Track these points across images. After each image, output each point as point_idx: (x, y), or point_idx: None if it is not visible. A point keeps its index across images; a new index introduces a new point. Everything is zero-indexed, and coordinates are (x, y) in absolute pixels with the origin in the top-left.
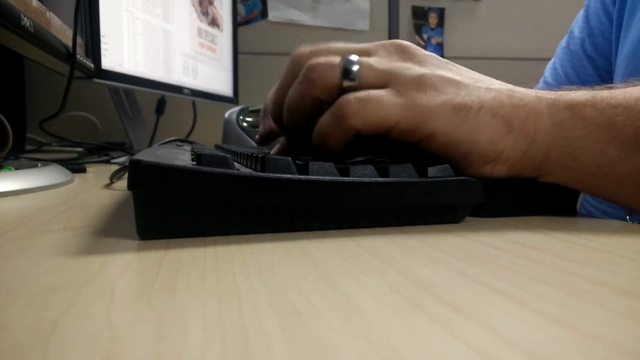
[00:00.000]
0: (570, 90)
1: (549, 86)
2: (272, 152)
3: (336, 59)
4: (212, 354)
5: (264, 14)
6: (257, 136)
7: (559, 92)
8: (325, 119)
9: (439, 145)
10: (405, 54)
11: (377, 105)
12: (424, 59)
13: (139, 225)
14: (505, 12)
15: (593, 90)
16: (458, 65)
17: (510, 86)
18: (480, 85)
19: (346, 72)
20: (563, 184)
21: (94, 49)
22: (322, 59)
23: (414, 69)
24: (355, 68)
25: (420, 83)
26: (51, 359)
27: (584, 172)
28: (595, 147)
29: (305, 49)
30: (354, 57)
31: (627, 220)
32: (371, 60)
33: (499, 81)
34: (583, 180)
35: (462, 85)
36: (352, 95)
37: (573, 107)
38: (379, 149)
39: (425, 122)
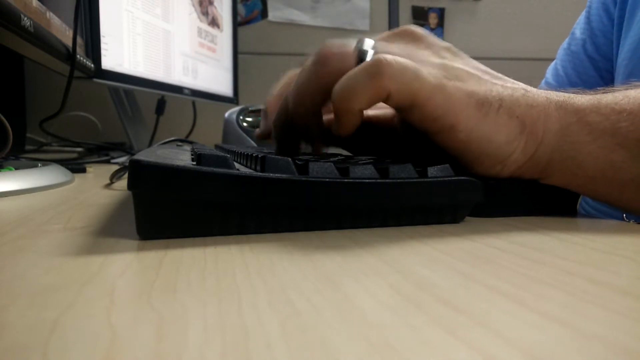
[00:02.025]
0: (575, 94)
1: (550, 87)
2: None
3: (350, 44)
4: (212, 354)
5: (264, 14)
6: (256, 131)
7: (566, 95)
8: (356, 74)
9: (456, 140)
10: (422, 44)
11: (414, 75)
12: (441, 50)
13: (139, 225)
14: (505, 12)
15: (597, 94)
16: (473, 60)
17: (522, 85)
18: (497, 82)
19: (361, 56)
20: (564, 187)
21: (94, 49)
22: (336, 43)
23: (433, 58)
24: (371, 52)
25: (445, 71)
26: (51, 359)
27: (586, 177)
28: (600, 153)
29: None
30: (368, 42)
31: (624, 220)
32: (387, 46)
33: (511, 79)
34: (585, 185)
35: (482, 81)
36: (391, 57)
37: (579, 112)
38: (379, 147)
39: (451, 113)
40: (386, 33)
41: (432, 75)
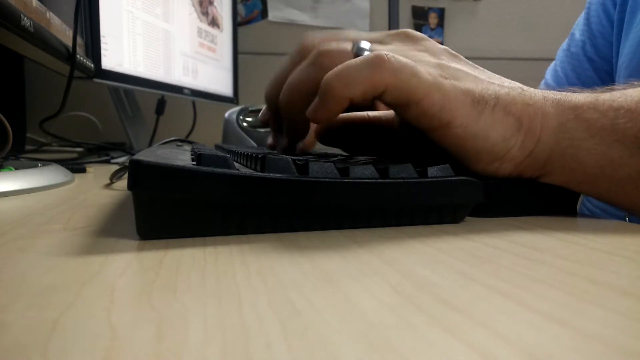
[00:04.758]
0: (573, 92)
1: (549, 88)
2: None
3: (348, 45)
4: (212, 354)
5: (264, 14)
6: (259, 115)
7: (563, 93)
8: (356, 63)
9: (453, 136)
10: (419, 46)
11: (412, 73)
12: (438, 52)
13: (139, 225)
14: (505, 12)
15: (594, 92)
16: (469, 62)
17: (519, 84)
18: (494, 82)
19: (359, 55)
20: (564, 185)
21: (94, 49)
22: (333, 44)
23: (430, 58)
24: (368, 53)
25: (442, 70)
26: (51, 359)
27: (585, 174)
28: (598, 150)
29: (314, 37)
30: (365, 45)
31: (626, 220)
32: (384, 48)
33: (508, 79)
34: (584, 182)
35: (478, 80)
36: (391, 54)
37: (577, 109)
38: (379, 147)
39: (447, 110)
40: (384, 33)
41: (430, 73)
